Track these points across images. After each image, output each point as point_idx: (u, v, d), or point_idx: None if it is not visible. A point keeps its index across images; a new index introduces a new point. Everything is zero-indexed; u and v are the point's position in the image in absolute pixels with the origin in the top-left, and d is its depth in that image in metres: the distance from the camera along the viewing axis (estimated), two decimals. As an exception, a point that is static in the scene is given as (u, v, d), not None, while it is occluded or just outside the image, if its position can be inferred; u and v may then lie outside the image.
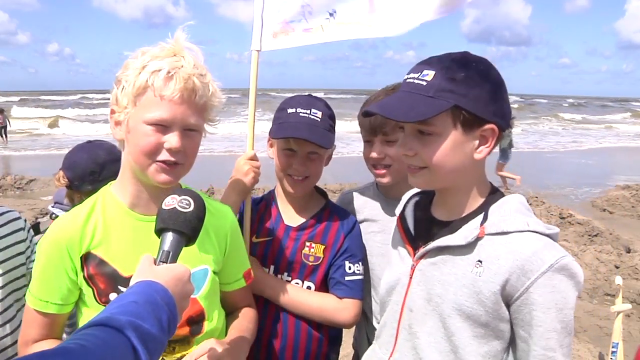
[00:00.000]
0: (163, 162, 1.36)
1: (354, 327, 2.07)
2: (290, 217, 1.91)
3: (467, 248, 1.31)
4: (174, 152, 1.35)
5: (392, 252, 1.57)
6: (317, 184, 1.95)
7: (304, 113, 1.79)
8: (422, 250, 1.40)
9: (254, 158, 1.89)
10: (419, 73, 1.32)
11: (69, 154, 2.41)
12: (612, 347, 3.91)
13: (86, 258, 1.41)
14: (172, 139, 1.34)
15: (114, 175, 2.12)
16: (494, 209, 1.34)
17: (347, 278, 1.83)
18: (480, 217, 1.34)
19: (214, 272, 1.54)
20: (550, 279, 1.22)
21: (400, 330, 1.44)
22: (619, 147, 23.06)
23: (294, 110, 1.81)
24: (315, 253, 1.86)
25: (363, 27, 1.76)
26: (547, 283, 1.22)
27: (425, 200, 1.54)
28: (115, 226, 1.44)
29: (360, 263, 1.87)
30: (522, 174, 12.29)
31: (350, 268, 1.84)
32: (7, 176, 11.84)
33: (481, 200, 1.39)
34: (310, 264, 1.85)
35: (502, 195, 1.40)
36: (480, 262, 1.28)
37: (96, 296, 1.42)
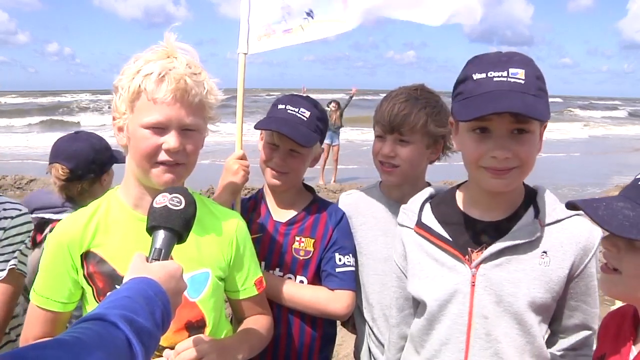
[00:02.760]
0: (163, 163, 1.38)
1: (354, 333, 2.06)
2: (279, 212, 1.94)
3: (529, 243, 1.34)
4: (172, 152, 1.37)
5: (426, 265, 1.46)
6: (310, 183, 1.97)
7: (292, 110, 1.83)
8: (482, 254, 1.36)
9: (243, 157, 1.92)
10: (505, 71, 1.25)
11: (62, 146, 2.40)
12: (611, 346, 3.91)
13: (86, 256, 1.43)
14: (170, 140, 1.36)
15: (109, 162, 2.29)
16: (539, 201, 1.39)
17: (337, 270, 1.85)
18: (531, 210, 1.37)
19: (217, 277, 1.51)
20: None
21: (474, 340, 1.38)
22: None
23: (283, 106, 1.86)
24: (306, 247, 1.88)
25: (340, 24, 1.85)
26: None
27: (445, 204, 1.48)
28: (118, 226, 1.45)
29: (350, 255, 1.89)
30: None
31: (340, 260, 1.86)
32: (7, 176, 11.84)
33: (523, 195, 1.42)
34: (302, 258, 1.87)
35: (532, 187, 1.45)
36: (545, 252, 1.34)
37: (95, 295, 1.43)
